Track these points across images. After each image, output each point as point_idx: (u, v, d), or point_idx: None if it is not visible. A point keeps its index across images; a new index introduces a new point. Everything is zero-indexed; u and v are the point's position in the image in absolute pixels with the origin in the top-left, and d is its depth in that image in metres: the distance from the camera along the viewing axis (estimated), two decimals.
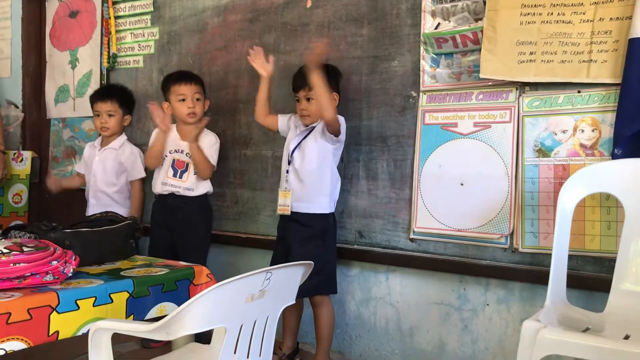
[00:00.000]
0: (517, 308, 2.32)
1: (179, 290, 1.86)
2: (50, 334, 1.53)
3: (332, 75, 2.53)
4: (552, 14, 2.17)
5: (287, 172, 2.60)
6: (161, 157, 2.91)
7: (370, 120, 2.63)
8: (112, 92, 3.35)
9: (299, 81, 2.56)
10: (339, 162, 2.60)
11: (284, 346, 2.67)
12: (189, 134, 2.86)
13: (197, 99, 2.87)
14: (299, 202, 2.55)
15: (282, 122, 2.69)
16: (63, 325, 1.55)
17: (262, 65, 2.63)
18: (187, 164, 2.88)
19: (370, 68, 2.64)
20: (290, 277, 1.52)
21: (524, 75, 2.21)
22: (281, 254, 2.57)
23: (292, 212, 2.55)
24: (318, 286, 2.45)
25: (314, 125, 2.55)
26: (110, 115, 3.22)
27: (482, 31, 2.25)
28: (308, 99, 2.52)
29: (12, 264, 1.56)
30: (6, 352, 1.43)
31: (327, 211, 2.55)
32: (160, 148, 2.89)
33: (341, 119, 2.50)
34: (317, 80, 2.39)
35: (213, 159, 2.88)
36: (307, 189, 2.53)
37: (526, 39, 2.20)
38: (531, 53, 2.19)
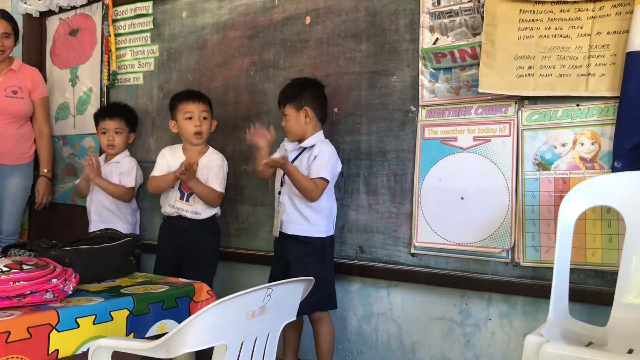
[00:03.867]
0: (519, 322, 2.31)
1: (180, 308, 1.85)
2: (50, 353, 1.52)
3: (305, 90, 2.55)
4: (549, 28, 2.18)
5: (279, 193, 2.60)
6: (162, 191, 2.92)
7: (370, 135, 2.64)
8: (119, 110, 3.40)
9: (278, 98, 2.62)
10: (334, 182, 2.59)
11: None
12: (195, 156, 2.86)
13: (204, 118, 2.87)
14: (295, 225, 2.53)
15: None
16: (63, 343, 1.54)
17: (262, 134, 2.51)
18: None
19: (369, 83, 2.65)
20: (290, 293, 1.52)
21: (523, 89, 2.21)
22: (279, 272, 2.56)
23: (289, 234, 2.54)
24: (318, 302, 2.44)
25: (304, 146, 2.54)
26: (117, 133, 3.26)
27: (480, 46, 2.26)
28: (285, 115, 2.57)
29: (11, 282, 1.56)
30: None
31: (324, 235, 2.53)
32: (164, 186, 2.89)
33: (331, 157, 2.49)
34: (290, 173, 2.45)
35: (221, 185, 2.84)
36: (301, 211, 2.51)
37: (524, 53, 2.20)
38: (529, 67, 2.20)
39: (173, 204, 2.88)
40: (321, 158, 2.47)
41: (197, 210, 2.85)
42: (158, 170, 2.95)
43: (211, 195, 2.81)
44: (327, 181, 2.46)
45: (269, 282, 2.53)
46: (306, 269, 2.38)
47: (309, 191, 2.44)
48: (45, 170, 3.70)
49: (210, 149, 2.94)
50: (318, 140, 2.54)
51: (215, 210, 2.90)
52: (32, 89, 3.62)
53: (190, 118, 2.84)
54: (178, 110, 2.87)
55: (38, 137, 3.67)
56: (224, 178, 2.88)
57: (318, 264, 2.48)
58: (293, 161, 2.55)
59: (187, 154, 2.91)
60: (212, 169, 2.85)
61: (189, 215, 2.85)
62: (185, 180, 2.73)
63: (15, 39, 3.59)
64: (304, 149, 2.55)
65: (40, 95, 3.67)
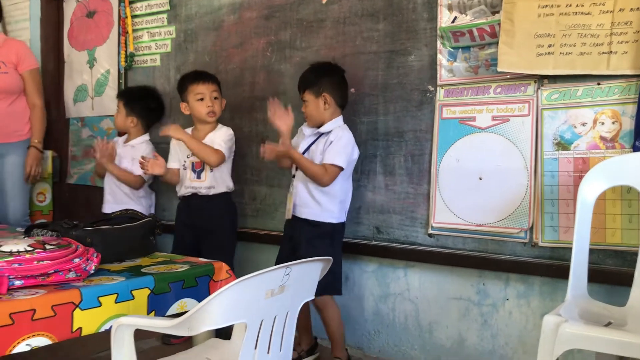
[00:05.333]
0: (537, 303, 2.31)
1: (199, 287, 1.87)
2: (73, 330, 1.55)
3: (323, 75, 2.53)
4: (570, 5, 2.14)
5: (294, 176, 2.61)
6: (174, 178, 2.97)
7: (387, 115, 2.63)
8: (121, 91, 3.47)
9: (298, 84, 2.62)
10: (352, 171, 2.59)
11: (302, 342, 2.68)
12: (204, 135, 2.88)
13: (215, 98, 2.89)
14: (308, 209, 2.54)
15: (296, 141, 2.66)
16: (86, 321, 1.57)
17: (282, 117, 2.48)
18: (203, 163, 2.88)
19: (386, 63, 2.63)
20: (309, 272, 1.53)
21: (543, 68, 2.19)
22: (287, 252, 2.57)
23: (301, 218, 2.56)
24: (325, 286, 2.42)
25: (321, 131, 2.54)
26: (117, 112, 3.29)
27: (499, 24, 2.23)
28: (304, 101, 2.57)
29: (35, 262, 1.58)
30: (32, 347, 1.46)
31: (335, 220, 2.53)
32: (168, 178, 2.96)
33: (348, 144, 2.47)
34: (296, 161, 2.48)
35: (222, 147, 2.85)
36: (314, 196, 2.51)
37: (544, 32, 2.17)
38: (549, 45, 2.17)
39: (188, 185, 2.91)
40: (337, 144, 2.46)
41: (210, 184, 2.88)
42: (173, 162, 2.99)
43: (206, 150, 2.80)
44: (341, 168, 2.45)
45: (277, 262, 2.57)
46: (315, 251, 2.37)
47: (319, 177, 2.44)
48: (36, 141, 3.55)
49: (220, 125, 2.97)
50: (336, 126, 2.53)
51: (228, 183, 2.92)
52: (18, 62, 3.47)
53: (201, 99, 2.86)
54: (189, 91, 2.89)
55: (31, 110, 3.54)
56: (228, 145, 2.89)
57: (327, 248, 2.47)
58: (310, 146, 2.56)
59: (197, 134, 2.93)
60: (217, 137, 2.89)
61: (203, 191, 2.88)
62: (177, 136, 2.80)
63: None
64: (321, 134, 2.55)
65: (28, 68, 3.51)
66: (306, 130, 2.62)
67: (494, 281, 2.41)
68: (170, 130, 2.79)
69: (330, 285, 2.49)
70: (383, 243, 2.65)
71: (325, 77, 2.53)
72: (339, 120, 2.56)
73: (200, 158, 2.84)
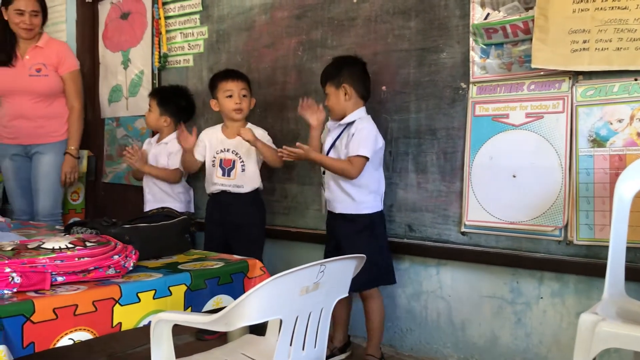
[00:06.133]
0: (572, 301, 2.28)
1: (234, 283, 1.89)
2: (113, 325, 1.58)
3: (343, 67, 2.55)
4: (606, 0, 2.11)
5: (324, 173, 2.63)
6: (192, 164, 3.07)
7: (419, 113, 2.62)
8: (153, 90, 3.54)
9: (320, 78, 2.65)
10: (382, 160, 2.59)
11: (335, 339, 2.70)
12: (234, 133, 2.92)
13: (244, 95, 2.94)
14: (341, 203, 2.56)
15: (323, 138, 2.69)
16: (125, 317, 1.60)
17: (313, 112, 2.62)
18: (234, 162, 2.92)
19: (418, 60, 2.62)
20: (343, 269, 1.54)
21: (578, 64, 2.16)
22: (331, 249, 2.60)
23: (337, 212, 2.57)
24: (375, 278, 2.47)
25: (344, 122, 2.55)
26: (150, 111, 3.33)
27: (533, 20, 2.21)
28: (327, 94, 2.59)
29: (76, 259, 1.62)
30: (74, 341, 1.50)
31: (372, 210, 2.55)
32: (188, 157, 3.06)
33: (370, 134, 2.48)
34: (318, 163, 2.57)
35: (273, 144, 2.95)
36: (345, 190, 2.53)
37: (579, 27, 2.15)
38: (584, 41, 2.14)
39: (216, 182, 2.95)
40: (359, 135, 2.47)
41: (239, 183, 2.92)
42: (197, 154, 3.05)
43: (275, 153, 2.84)
44: (366, 158, 2.46)
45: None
46: (356, 246, 2.40)
47: (346, 171, 2.46)
48: (72, 148, 3.57)
49: (249, 124, 3.00)
50: (357, 117, 2.53)
51: (257, 183, 2.96)
52: (58, 64, 3.51)
53: (230, 96, 2.91)
54: (218, 89, 2.95)
55: (70, 113, 3.57)
56: (270, 141, 2.97)
57: (368, 241, 2.50)
58: (335, 142, 2.57)
59: (227, 131, 2.99)
60: (262, 137, 2.93)
61: (232, 189, 2.92)
62: (254, 144, 2.82)
63: (44, 17, 3.52)
64: (345, 127, 2.56)
65: (69, 70, 3.55)
66: (330, 124, 2.64)
67: (527, 279, 2.39)
68: (245, 134, 2.79)
69: (379, 276, 2.53)
70: (415, 241, 2.65)
71: (344, 69, 2.55)
72: (361, 111, 2.56)
73: (270, 161, 2.88)
